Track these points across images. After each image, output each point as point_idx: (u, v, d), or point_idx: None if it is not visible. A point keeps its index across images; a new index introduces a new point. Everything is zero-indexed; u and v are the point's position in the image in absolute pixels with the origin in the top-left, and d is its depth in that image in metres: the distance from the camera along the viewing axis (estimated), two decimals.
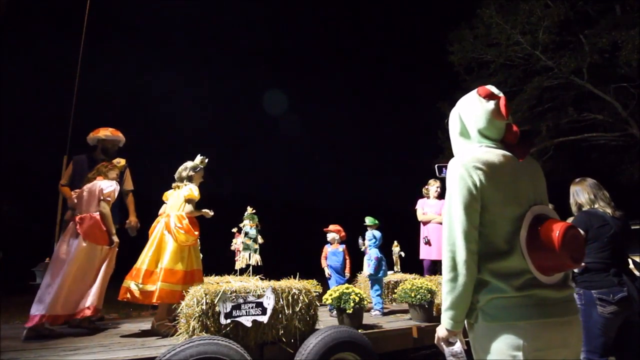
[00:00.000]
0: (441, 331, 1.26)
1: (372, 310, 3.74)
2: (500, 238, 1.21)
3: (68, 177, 3.72)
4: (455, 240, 1.19)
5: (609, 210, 2.55)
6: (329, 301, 3.09)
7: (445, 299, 1.22)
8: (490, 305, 1.18)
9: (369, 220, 4.06)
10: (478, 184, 1.20)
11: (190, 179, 3.26)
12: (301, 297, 2.69)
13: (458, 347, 1.30)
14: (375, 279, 3.83)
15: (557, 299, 1.18)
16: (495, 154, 1.26)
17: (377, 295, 3.78)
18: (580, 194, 2.68)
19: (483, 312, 1.19)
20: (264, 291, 2.57)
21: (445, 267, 1.21)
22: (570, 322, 1.19)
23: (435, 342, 1.31)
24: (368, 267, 3.83)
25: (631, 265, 2.67)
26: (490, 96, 1.32)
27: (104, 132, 3.77)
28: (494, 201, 1.21)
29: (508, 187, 1.23)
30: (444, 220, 1.26)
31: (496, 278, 1.17)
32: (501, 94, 1.33)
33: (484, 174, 1.21)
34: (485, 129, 1.31)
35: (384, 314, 3.75)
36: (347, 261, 4.14)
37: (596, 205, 2.59)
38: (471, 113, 1.34)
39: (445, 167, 2.02)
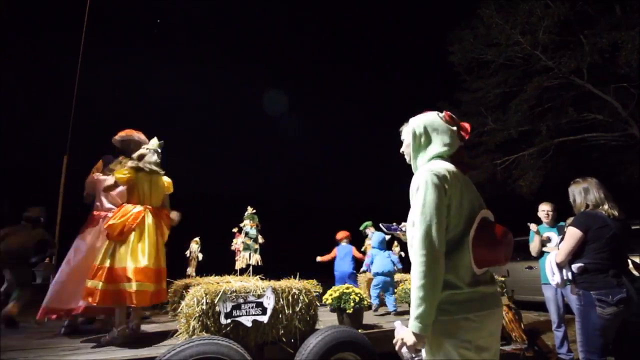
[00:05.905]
0: (410, 338, 1.26)
1: (391, 311, 3.78)
2: (457, 235, 1.36)
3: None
4: (433, 242, 1.28)
5: (615, 211, 2.49)
6: (329, 301, 3.09)
7: (420, 303, 1.24)
8: (447, 300, 1.30)
9: (368, 224, 4.10)
10: (446, 190, 1.36)
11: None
12: (301, 297, 2.69)
13: (423, 353, 1.35)
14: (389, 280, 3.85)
15: (490, 293, 1.37)
16: (452, 167, 1.45)
17: (392, 295, 3.83)
18: (590, 193, 2.59)
19: (439, 309, 1.29)
20: (264, 291, 2.57)
21: (419, 271, 1.26)
22: (499, 312, 1.39)
23: (397, 348, 1.31)
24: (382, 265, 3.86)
25: (631, 266, 2.65)
26: (454, 120, 1.56)
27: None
28: (456, 205, 1.37)
29: (463, 194, 1.40)
30: (416, 223, 1.33)
31: (451, 275, 1.31)
32: (459, 121, 1.58)
33: (449, 182, 1.37)
34: (449, 147, 1.51)
35: (383, 314, 3.75)
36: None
37: (606, 206, 2.52)
38: (438, 131, 1.53)
39: (390, 225, 2.11)
